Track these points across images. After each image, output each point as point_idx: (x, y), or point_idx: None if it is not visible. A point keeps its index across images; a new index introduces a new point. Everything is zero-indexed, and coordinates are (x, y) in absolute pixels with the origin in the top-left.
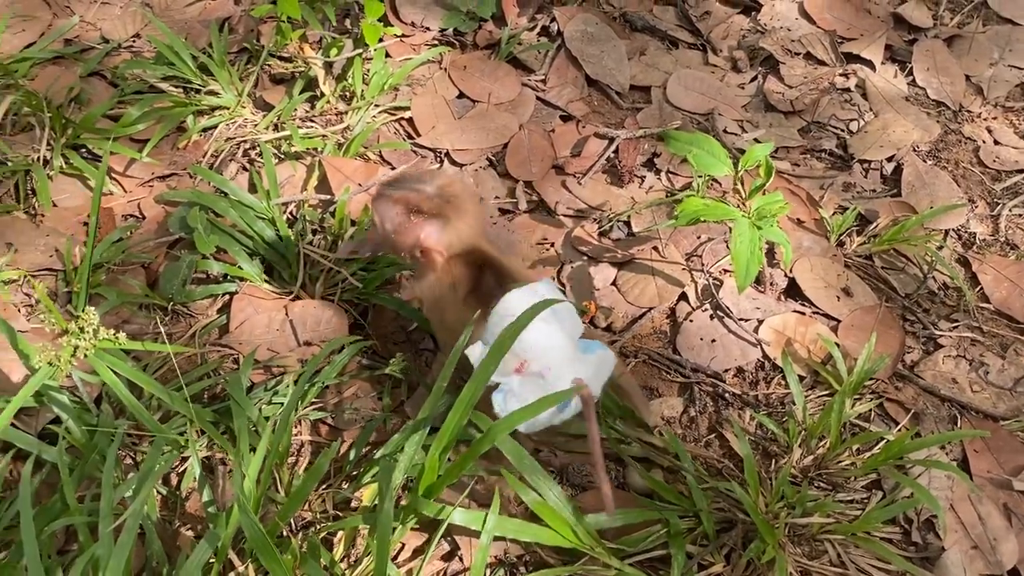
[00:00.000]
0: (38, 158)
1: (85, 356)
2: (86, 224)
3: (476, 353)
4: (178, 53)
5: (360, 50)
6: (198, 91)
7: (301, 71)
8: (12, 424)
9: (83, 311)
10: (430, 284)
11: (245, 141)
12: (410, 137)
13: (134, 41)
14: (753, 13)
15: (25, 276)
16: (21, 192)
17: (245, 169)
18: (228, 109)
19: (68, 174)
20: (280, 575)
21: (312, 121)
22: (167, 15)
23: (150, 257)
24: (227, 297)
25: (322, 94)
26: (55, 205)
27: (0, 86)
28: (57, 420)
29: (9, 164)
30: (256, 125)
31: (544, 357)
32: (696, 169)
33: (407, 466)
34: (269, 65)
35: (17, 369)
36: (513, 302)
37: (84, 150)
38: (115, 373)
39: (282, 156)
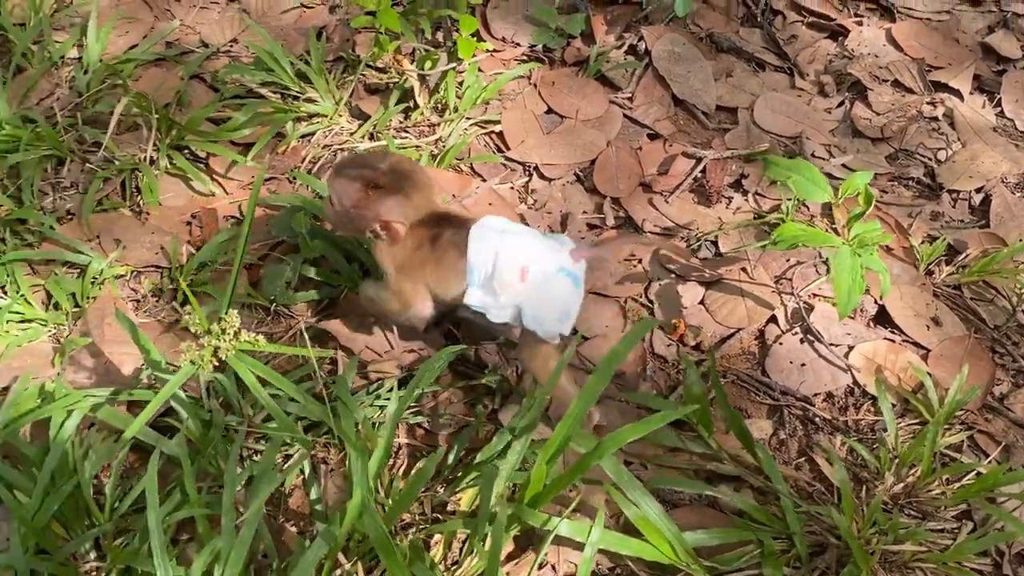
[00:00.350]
0: (145, 158)
1: (225, 357)
2: (189, 223)
3: (476, 298)
4: (277, 60)
5: (454, 64)
6: (296, 98)
7: (395, 82)
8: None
9: (226, 313)
10: (392, 253)
11: (342, 149)
12: (499, 150)
13: (232, 46)
14: (840, 38)
15: (133, 272)
16: (127, 190)
17: None
18: (326, 117)
19: (172, 174)
20: (397, 574)
21: (406, 132)
22: (264, 21)
23: (252, 258)
24: (326, 300)
25: (416, 106)
26: (159, 204)
27: (108, 86)
28: (165, 413)
29: (116, 163)
30: (352, 133)
31: (537, 255)
32: (795, 195)
33: (509, 474)
34: (363, 75)
35: (128, 362)
36: (479, 234)
37: (187, 151)
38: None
39: None
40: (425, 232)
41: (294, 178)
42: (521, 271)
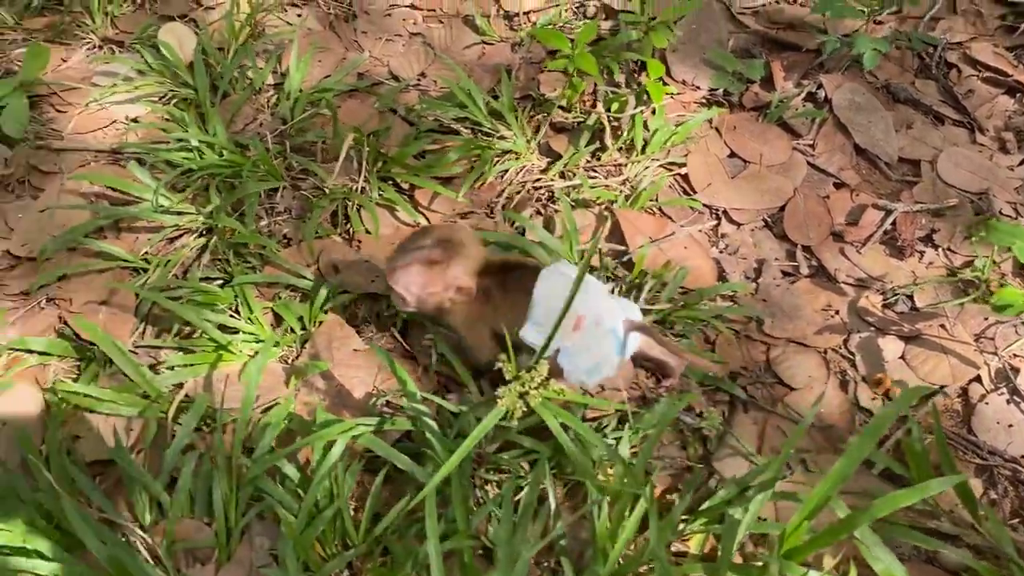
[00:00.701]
0: (357, 188)
1: (532, 404)
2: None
3: (531, 334)
4: (472, 97)
5: (642, 107)
6: (488, 134)
7: (580, 121)
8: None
9: (536, 363)
10: (465, 311)
11: (538, 187)
12: (685, 193)
13: (419, 80)
14: (1018, 95)
15: (354, 300)
16: (337, 217)
17: (539, 213)
18: (517, 154)
19: (378, 204)
20: None
21: (595, 171)
22: (446, 56)
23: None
24: None
25: (604, 146)
26: (368, 232)
27: (309, 114)
28: (402, 439)
29: (327, 191)
30: (543, 171)
31: (595, 308)
32: (1021, 260)
33: (749, 525)
34: (549, 113)
35: (359, 386)
36: (548, 275)
37: (390, 182)
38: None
39: (573, 204)
40: (491, 281)
41: (492, 212)
42: (577, 319)
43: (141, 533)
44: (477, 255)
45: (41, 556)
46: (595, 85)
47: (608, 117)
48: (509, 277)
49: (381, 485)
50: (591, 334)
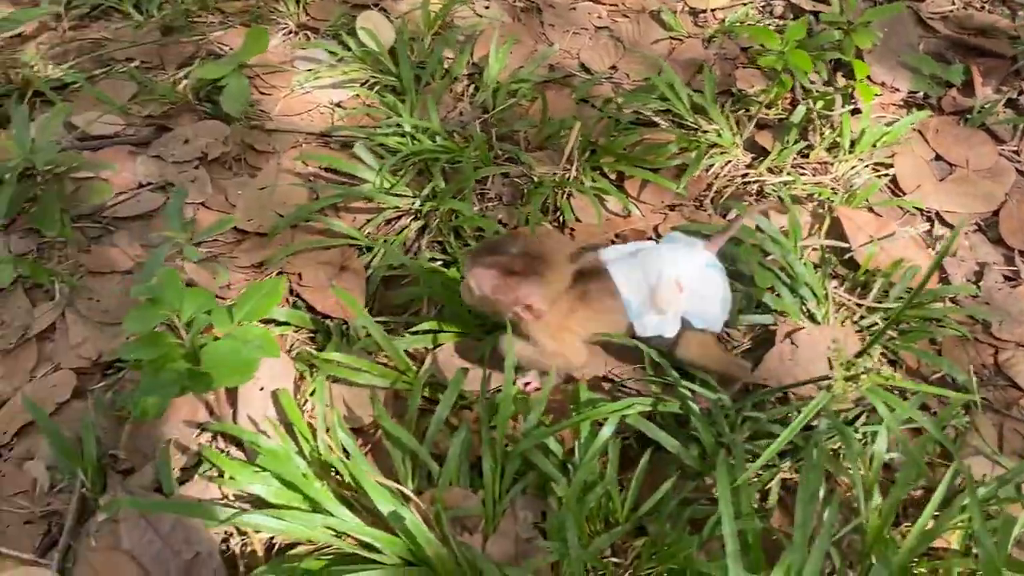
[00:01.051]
0: (569, 176)
1: (862, 390)
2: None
3: (652, 326)
4: (675, 90)
5: (849, 106)
6: (690, 128)
7: (783, 118)
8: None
9: (866, 351)
10: (544, 325)
11: (747, 182)
12: (893, 194)
13: (612, 73)
14: None
15: None
16: (547, 205)
17: None
18: (724, 148)
19: (585, 192)
20: None
21: (802, 168)
22: (636, 50)
23: None
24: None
25: (811, 144)
26: (579, 221)
27: (510, 104)
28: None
29: (536, 180)
30: (749, 166)
31: (681, 261)
32: None
33: None
34: (750, 109)
35: (589, 367)
36: (618, 268)
37: (598, 171)
38: None
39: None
40: (572, 294)
41: (701, 205)
42: (676, 283)
43: (417, 499)
44: (559, 279)
45: (330, 514)
46: (794, 82)
47: (821, 115)
48: (588, 287)
49: (647, 465)
50: (697, 284)
